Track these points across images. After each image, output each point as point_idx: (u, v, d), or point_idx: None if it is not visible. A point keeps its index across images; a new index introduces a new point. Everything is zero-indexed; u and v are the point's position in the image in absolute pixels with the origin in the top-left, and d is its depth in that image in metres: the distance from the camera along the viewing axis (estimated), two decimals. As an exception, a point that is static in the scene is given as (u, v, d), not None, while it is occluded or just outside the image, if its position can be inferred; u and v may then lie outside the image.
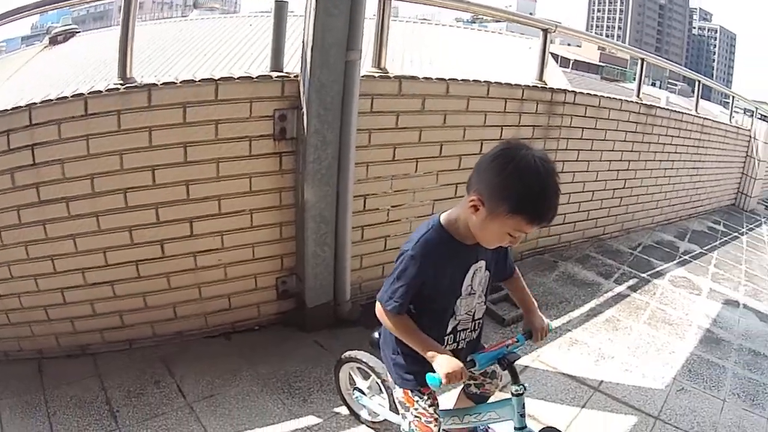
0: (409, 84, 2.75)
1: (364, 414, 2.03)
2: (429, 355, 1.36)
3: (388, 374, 1.62)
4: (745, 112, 8.31)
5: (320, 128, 2.42)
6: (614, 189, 4.40)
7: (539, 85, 3.51)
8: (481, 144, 3.13)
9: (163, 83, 2.19)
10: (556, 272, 3.73)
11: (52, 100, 2.07)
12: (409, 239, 1.40)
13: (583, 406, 2.32)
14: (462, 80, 2.98)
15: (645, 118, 4.42)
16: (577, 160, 3.92)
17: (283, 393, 2.23)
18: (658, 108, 4.67)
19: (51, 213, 2.17)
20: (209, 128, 2.30)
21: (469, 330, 1.52)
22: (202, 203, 2.38)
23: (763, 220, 6.90)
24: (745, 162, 7.01)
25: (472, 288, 1.45)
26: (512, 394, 1.45)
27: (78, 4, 2.82)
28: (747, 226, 6.30)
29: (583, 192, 4.10)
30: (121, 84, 2.14)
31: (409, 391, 1.53)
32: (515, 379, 1.44)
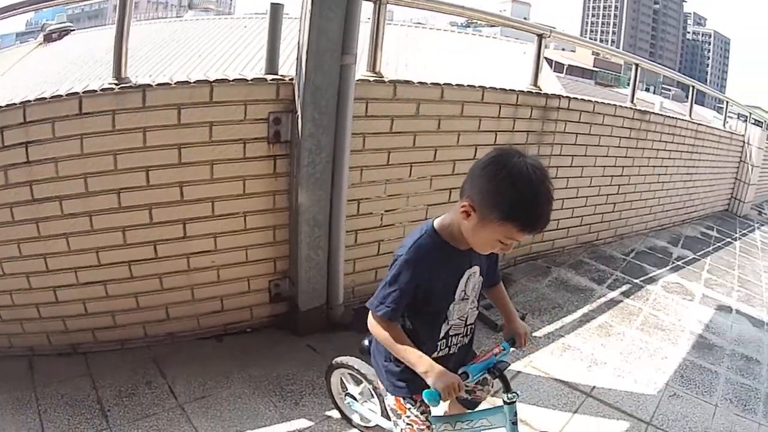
0: (403, 88, 2.75)
1: (356, 418, 2.02)
2: (421, 369, 1.34)
3: (380, 381, 1.61)
4: (738, 117, 8.33)
5: (315, 132, 2.41)
6: (608, 195, 4.42)
7: (534, 91, 3.52)
8: (476, 149, 3.13)
9: (158, 84, 2.19)
10: (549, 278, 3.74)
11: (46, 98, 2.06)
12: (402, 244, 1.39)
13: (575, 412, 2.33)
14: (456, 85, 2.99)
15: (639, 123, 4.44)
16: (571, 166, 3.93)
17: (275, 396, 2.23)
18: (652, 113, 4.68)
19: (44, 211, 2.16)
20: (204, 130, 2.29)
21: (461, 335, 1.51)
22: (196, 205, 2.37)
23: (756, 225, 6.95)
24: (738, 167, 7.04)
25: (465, 293, 1.45)
26: (504, 402, 1.44)
27: (73, 1, 2.80)
28: (740, 231, 6.34)
29: (576, 198, 4.11)
30: (115, 84, 2.14)
31: (401, 399, 1.53)
32: (507, 387, 1.43)
